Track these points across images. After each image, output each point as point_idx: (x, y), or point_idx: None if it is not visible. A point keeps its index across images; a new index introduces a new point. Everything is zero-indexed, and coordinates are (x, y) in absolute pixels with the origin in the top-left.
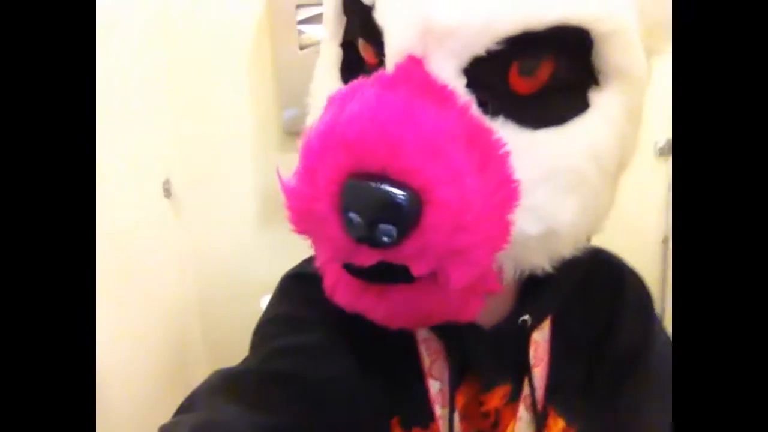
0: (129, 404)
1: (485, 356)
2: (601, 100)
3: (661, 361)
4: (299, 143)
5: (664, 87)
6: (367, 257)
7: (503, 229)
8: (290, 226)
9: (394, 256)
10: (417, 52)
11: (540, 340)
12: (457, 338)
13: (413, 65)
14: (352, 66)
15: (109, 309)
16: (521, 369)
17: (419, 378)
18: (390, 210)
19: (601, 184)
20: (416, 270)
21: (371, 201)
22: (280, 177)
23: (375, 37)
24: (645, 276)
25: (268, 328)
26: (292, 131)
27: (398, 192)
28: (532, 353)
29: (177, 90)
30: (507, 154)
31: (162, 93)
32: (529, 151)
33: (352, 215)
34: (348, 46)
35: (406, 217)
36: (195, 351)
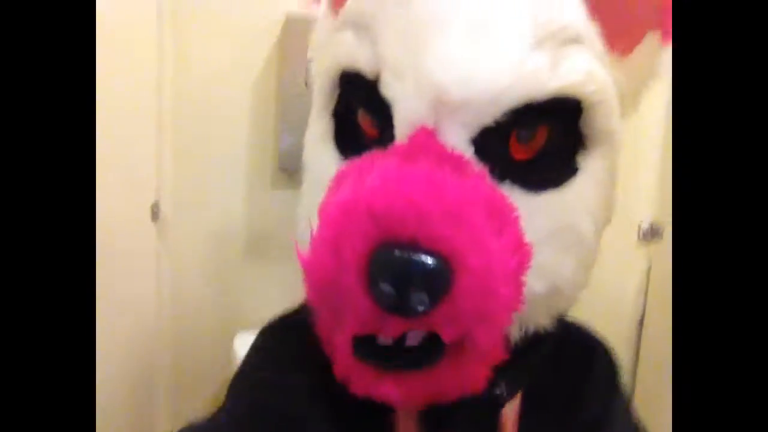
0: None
1: (458, 423)
2: (588, 163)
3: None
4: (293, 180)
5: (649, 172)
6: (397, 327)
7: (519, 290)
8: (309, 300)
9: (425, 324)
10: (429, 123)
11: (510, 413)
12: (433, 409)
13: (426, 136)
14: (346, 136)
15: None
16: None
17: None
18: (423, 277)
19: (594, 241)
20: (446, 335)
21: (404, 269)
22: (298, 250)
23: (378, 110)
24: (619, 355)
25: (241, 384)
26: (286, 168)
27: (431, 260)
28: (503, 423)
29: (178, 114)
30: (518, 218)
31: (164, 114)
32: (534, 213)
33: (383, 286)
34: (343, 118)
35: (438, 284)
36: (161, 379)
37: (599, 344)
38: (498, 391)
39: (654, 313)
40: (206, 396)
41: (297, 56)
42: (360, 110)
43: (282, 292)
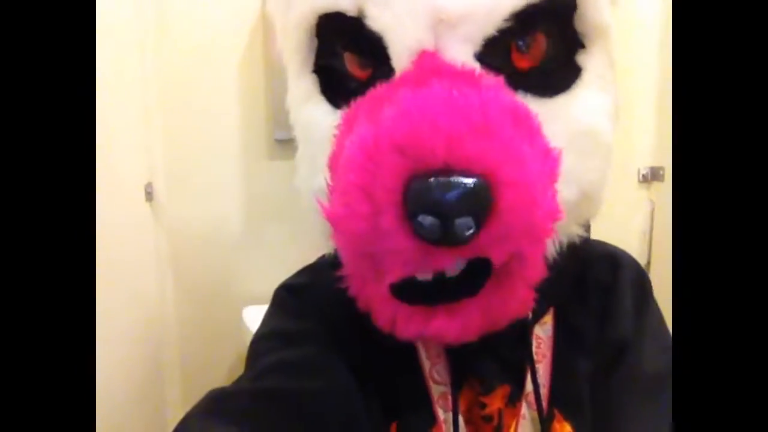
0: (103, 409)
1: (488, 355)
2: (589, 61)
3: (650, 357)
4: (288, 150)
5: (647, 116)
6: (444, 258)
7: (556, 199)
8: (342, 252)
9: (474, 249)
10: (429, 45)
11: (542, 335)
12: None
13: (431, 59)
14: (334, 87)
15: None
16: (523, 367)
17: (420, 382)
18: (465, 200)
19: (610, 139)
20: (496, 256)
21: (443, 197)
22: (321, 204)
23: (367, 47)
24: None
25: (260, 344)
26: (281, 139)
27: (468, 180)
28: (535, 349)
29: (167, 92)
30: (541, 125)
31: (151, 94)
32: (552, 118)
33: (423, 218)
34: (323, 69)
35: (482, 204)
36: (170, 359)
37: (624, 258)
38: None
39: (659, 256)
40: (218, 372)
41: None
42: (346, 54)
43: (284, 262)
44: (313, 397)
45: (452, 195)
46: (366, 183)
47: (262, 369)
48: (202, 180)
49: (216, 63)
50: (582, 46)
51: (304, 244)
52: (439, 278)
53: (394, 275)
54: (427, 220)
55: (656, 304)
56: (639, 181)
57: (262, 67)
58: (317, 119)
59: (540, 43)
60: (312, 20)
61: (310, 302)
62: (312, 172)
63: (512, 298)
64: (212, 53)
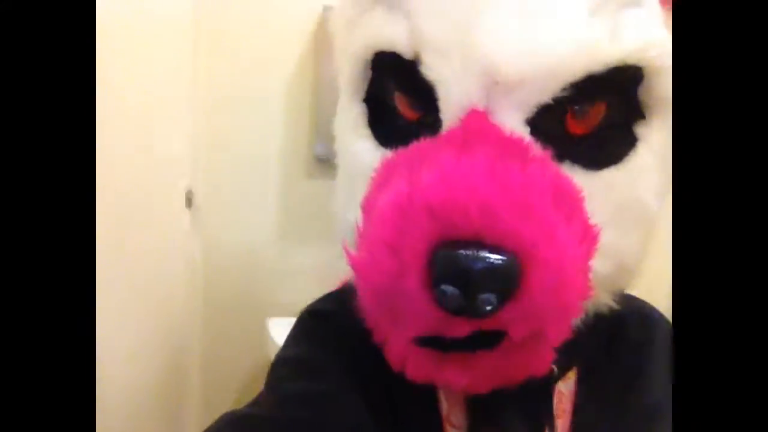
0: (123, 410)
1: (507, 405)
2: (647, 133)
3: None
4: (328, 169)
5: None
6: (462, 328)
7: (588, 277)
8: (363, 302)
9: (493, 324)
10: (480, 105)
11: (565, 391)
12: None
13: (480, 120)
14: (382, 122)
15: (111, 311)
16: (542, 421)
17: (437, 424)
18: (491, 277)
19: (657, 214)
20: (515, 333)
21: (470, 270)
22: (349, 253)
23: (419, 91)
24: None
25: (282, 369)
26: (323, 158)
27: (498, 258)
28: (556, 404)
29: (215, 101)
30: (584, 199)
31: (200, 102)
32: (597, 192)
33: (446, 287)
34: (373, 101)
35: (508, 283)
36: (192, 363)
37: (656, 315)
38: (550, 368)
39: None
40: (238, 382)
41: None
42: (397, 93)
43: (314, 279)
44: None
45: (479, 270)
46: (394, 240)
47: (282, 397)
48: (241, 190)
49: (265, 76)
50: (643, 116)
51: (333, 263)
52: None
53: (412, 333)
54: (449, 289)
55: None
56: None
57: (310, 84)
58: (361, 153)
59: (598, 112)
60: (369, 54)
61: (335, 331)
62: (348, 203)
63: (530, 358)
64: (263, 66)
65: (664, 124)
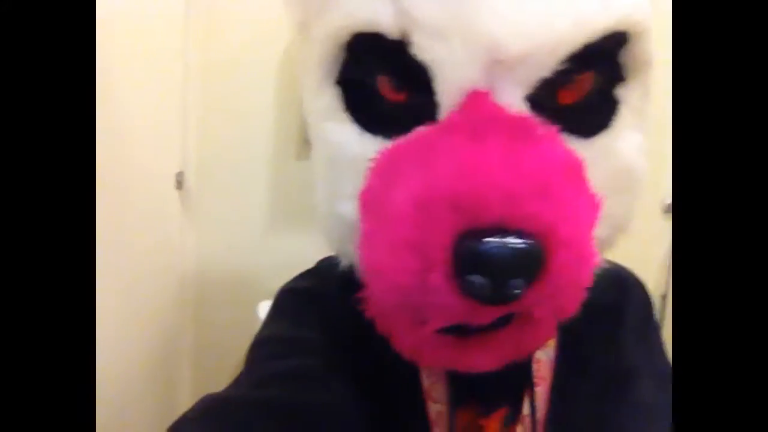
0: (116, 399)
1: (488, 376)
2: (627, 94)
3: (649, 388)
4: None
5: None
6: (489, 315)
7: (595, 245)
8: (381, 303)
9: (519, 307)
10: (481, 85)
11: (544, 358)
12: None
13: (484, 102)
14: (360, 104)
15: (102, 296)
16: (522, 389)
17: (418, 400)
18: (519, 263)
19: (644, 174)
20: (539, 313)
21: (498, 258)
22: (365, 256)
23: (408, 74)
24: None
25: (261, 349)
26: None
27: (523, 242)
28: (535, 372)
29: (206, 84)
30: (586, 170)
31: (191, 85)
32: (594, 160)
33: (476, 278)
34: (354, 85)
35: (535, 266)
36: (183, 347)
37: (629, 279)
38: None
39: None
40: (229, 365)
41: None
42: (379, 75)
43: (306, 261)
44: (311, 411)
45: (506, 257)
46: (416, 238)
47: (260, 377)
48: (232, 173)
49: (257, 60)
50: (623, 79)
51: (324, 247)
52: None
53: (436, 325)
54: (478, 279)
55: (659, 328)
56: (663, 212)
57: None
58: (343, 141)
59: (587, 80)
60: (346, 35)
61: (314, 310)
62: (333, 196)
63: (542, 330)
64: (254, 50)
65: (642, 83)
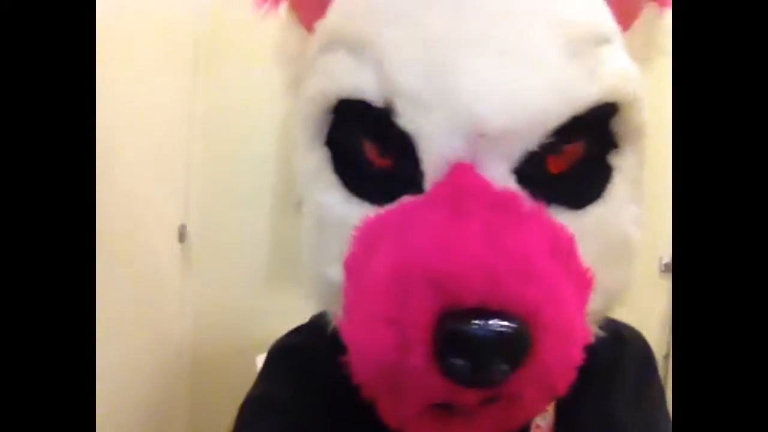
0: None
1: None
2: (621, 162)
3: None
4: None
5: (668, 204)
6: (472, 397)
7: (586, 321)
8: (360, 380)
9: (505, 391)
10: (465, 158)
11: (542, 424)
12: None
13: (468, 175)
14: (349, 167)
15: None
16: None
17: None
18: (503, 346)
19: (639, 243)
20: (530, 396)
21: (480, 341)
22: (343, 327)
23: (394, 142)
24: None
25: (251, 409)
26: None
27: (508, 326)
28: None
29: (208, 137)
30: (576, 244)
31: (193, 138)
32: (585, 232)
33: (457, 361)
34: (336, 144)
35: (519, 351)
36: (181, 400)
37: (628, 334)
38: None
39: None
40: (226, 418)
41: None
42: (366, 141)
43: (304, 314)
44: None
45: (489, 340)
46: (394, 314)
47: None
48: (233, 226)
49: (261, 114)
50: (616, 147)
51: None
52: None
53: (416, 404)
54: (459, 362)
55: (659, 384)
56: (661, 270)
57: None
58: (329, 204)
59: (577, 149)
60: (331, 100)
61: (303, 369)
62: (320, 258)
63: (533, 405)
64: (258, 103)
65: (635, 150)
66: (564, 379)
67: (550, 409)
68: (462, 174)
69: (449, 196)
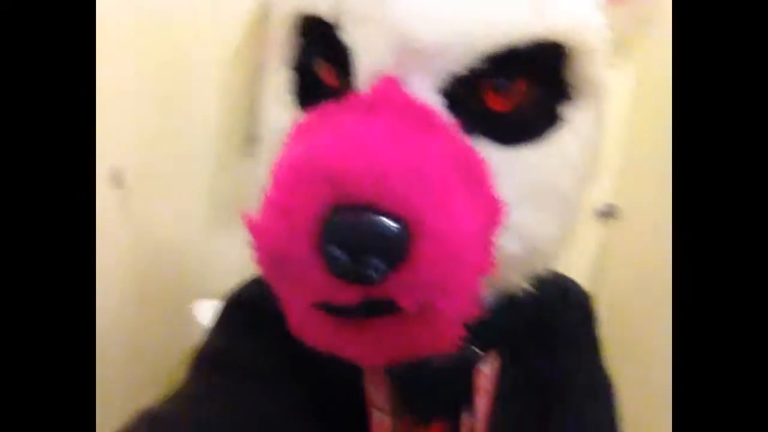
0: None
1: (429, 386)
2: (573, 114)
3: (583, 399)
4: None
5: (606, 155)
6: (351, 295)
7: (489, 253)
8: (259, 268)
9: (381, 292)
10: (393, 71)
11: (487, 371)
12: (403, 368)
13: (391, 86)
14: (308, 90)
15: None
16: (461, 401)
17: (361, 407)
18: (379, 242)
19: (577, 199)
20: (404, 304)
21: (359, 234)
22: (246, 216)
23: (338, 58)
24: None
25: (202, 363)
26: (257, 137)
27: (388, 223)
28: (477, 384)
29: (145, 80)
30: (491, 174)
31: (129, 83)
32: (511, 169)
33: (335, 251)
34: (302, 69)
35: (396, 250)
36: (116, 343)
37: (573, 291)
38: (471, 350)
39: (607, 291)
40: (165, 363)
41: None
42: (319, 59)
43: (242, 260)
44: (251, 428)
45: (367, 234)
46: (286, 202)
47: (200, 393)
48: (171, 171)
49: (200, 57)
50: (568, 98)
51: None
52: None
53: (305, 299)
54: (337, 253)
55: (599, 340)
56: (594, 218)
57: (246, 64)
58: (281, 118)
59: (519, 88)
60: (295, 17)
61: (258, 319)
62: (266, 168)
63: (428, 332)
64: (194, 45)
65: (589, 106)
66: (446, 294)
67: (496, 357)
68: (384, 84)
69: (365, 101)
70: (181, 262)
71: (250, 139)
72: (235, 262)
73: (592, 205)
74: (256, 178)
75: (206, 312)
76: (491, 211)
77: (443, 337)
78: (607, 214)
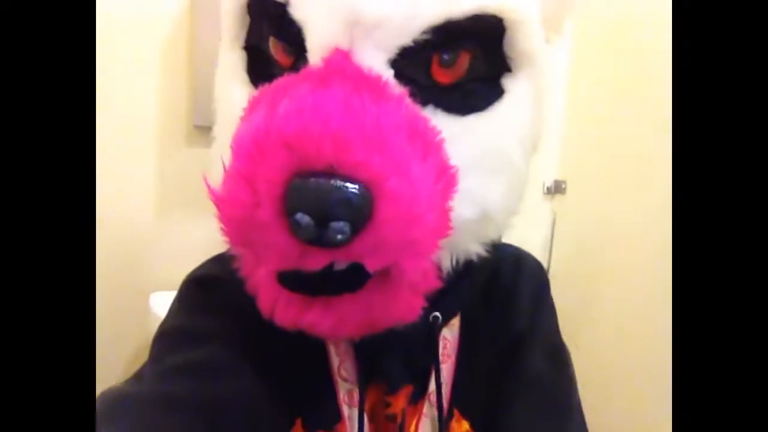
0: None
1: (393, 354)
2: (513, 85)
3: (535, 359)
4: (208, 138)
5: (552, 132)
6: (318, 259)
7: (446, 216)
8: (225, 238)
9: (348, 255)
10: (343, 44)
11: (449, 337)
12: (367, 338)
13: (342, 58)
14: (260, 68)
15: None
16: (428, 367)
17: (327, 378)
18: (342, 205)
19: (523, 165)
20: (371, 265)
21: (322, 198)
22: (209, 186)
23: (289, 35)
24: None
25: (165, 341)
26: (201, 125)
27: (350, 186)
28: (441, 350)
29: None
30: (442, 141)
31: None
32: (460, 137)
33: (300, 216)
34: (253, 48)
35: (359, 212)
36: None
37: (526, 260)
38: (433, 317)
39: (559, 263)
40: (122, 356)
41: (210, 8)
42: (271, 38)
43: (197, 250)
44: (217, 402)
45: (330, 198)
46: (249, 172)
47: (164, 371)
48: (118, 162)
49: (139, 42)
50: (509, 70)
51: (217, 232)
52: (324, 271)
53: (270, 267)
54: (303, 219)
55: (552, 306)
56: (543, 194)
57: (185, 51)
58: (235, 97)
59: (463, 61)
60: None
61: (219, 296)
62: (223, 146)
63: (395, 302)
64: (135, 32)
65: (529, 78)
66: (408, 256)
67: (457, 322)
68: (336, 57)
69: (318, 73)
70: (137, 253)
71: (195, 126)
72: (190, 251)
73: (542, 181)
74: (214, 154)
75: (162, 303)
76: (445, 176)
77: (407, 306)
78: (556, 189)
